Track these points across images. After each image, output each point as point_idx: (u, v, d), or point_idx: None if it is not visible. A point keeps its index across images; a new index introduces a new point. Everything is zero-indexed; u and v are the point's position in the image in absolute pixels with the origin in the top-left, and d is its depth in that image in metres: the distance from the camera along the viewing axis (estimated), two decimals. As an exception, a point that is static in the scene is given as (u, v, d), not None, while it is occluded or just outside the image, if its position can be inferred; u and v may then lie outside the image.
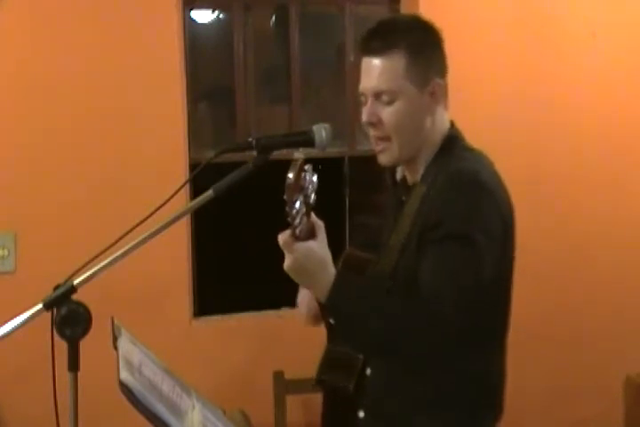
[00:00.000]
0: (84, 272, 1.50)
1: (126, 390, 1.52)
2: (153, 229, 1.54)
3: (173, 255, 2.96)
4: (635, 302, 3.43)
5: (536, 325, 3.24)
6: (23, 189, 2.84)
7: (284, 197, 1.42)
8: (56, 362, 1.51)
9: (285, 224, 1.49)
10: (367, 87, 1.78)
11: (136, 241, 1.53)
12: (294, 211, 1.43)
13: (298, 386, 2.73)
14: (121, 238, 1.55)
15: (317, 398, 1.93)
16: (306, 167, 1.43)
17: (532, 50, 3.26)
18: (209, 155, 1.81)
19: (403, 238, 1.75)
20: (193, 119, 3.09)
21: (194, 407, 1.34)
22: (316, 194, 1.46)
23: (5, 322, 1.48)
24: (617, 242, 3.40)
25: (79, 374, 1.50)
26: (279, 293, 2.57)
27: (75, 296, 1.49)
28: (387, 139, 1.77)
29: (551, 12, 3.28)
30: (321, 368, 1.88)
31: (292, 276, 1.55)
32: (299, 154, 1.44)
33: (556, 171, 3.33)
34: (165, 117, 2.95)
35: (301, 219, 1.45)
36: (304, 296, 1.98)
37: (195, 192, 2.83)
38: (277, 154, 1.61)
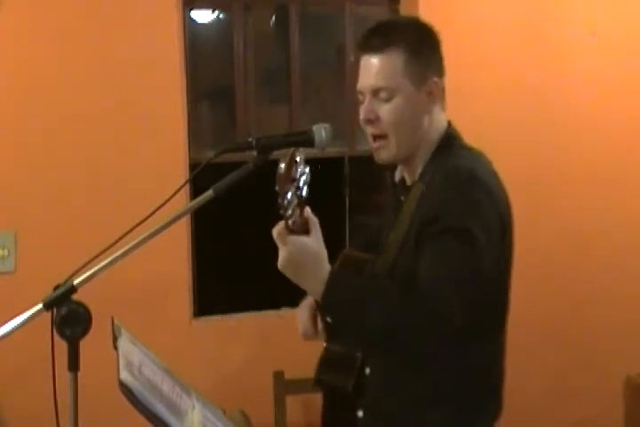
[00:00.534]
0: (84, 272, 1.50)
1: (126, 390, 1.51)
2: (153, 229, 1.54)
3: (173, 255, 2.96)
4: (635, 302, 3.43)
5: (536, 325, 3.24)
6: (23, 189, 2.84)
7: (276, 188, 1.41)
8: (56, 362, 1.51)
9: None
10: (365, 85, 1.78)
11: (136, 241, 1.53)
12: (286, 202, 1.41)
13: (298, 386, 2.73)
14: (121, 238, 1.55)
15: (317, 399, 1.93)
16: (297, 159, 1.42)
17: (531, 50, 3.26)
18: (209, 155, 1.81)
19: (401, 237, 1.75)
20: (193, 119, 3.09)
21: (194, 407, 1.34)
22: (309, 187, 1.43)
23: (5, 322, 1.48)
24: (617, 242, 3.40)
25: (79, 374, 1.50)
26: (279, 293, 2.57)
27: (75, 296, 1.49)
28: (384, 137, 1.77)
29: (551, 12, 3.28)
30: (319, 368, 1.89)
31: (287, 272, 1.51)
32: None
33: (555, 170, 3.33)
34: (165, 117, 2.95)
35: (294, 211, 1.43)
36: (302, 317, 1.97)
37: (195, 192, 2.83)
38: (277, 154, 1.61)
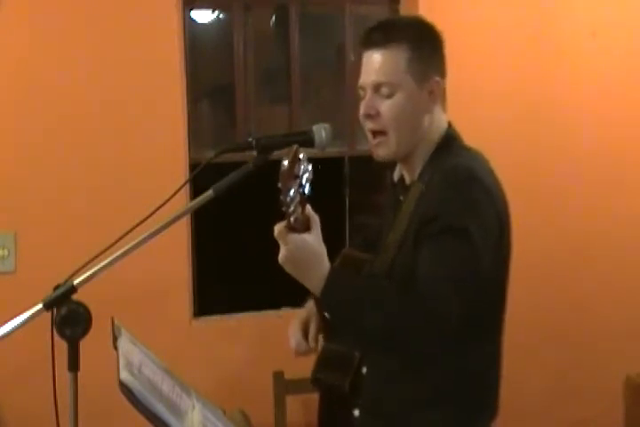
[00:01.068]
0: (84, 272, 1.51)
1: (126, 390, 1.51)
2: (153, 229, 1.55)
3: (173, 255, 2.96)
4: (635, 302, 3.43)
5: (536, 325, 3.24)
6: (23, 189, 2.84)
7: (279, 184, 1.41)
8: (56, 362, 1.51)
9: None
10: (367, 80, 1.78)
11: (136, 241, 1.53)
12: (288, 199, 1.42)
13: (298, 386, 2.73)
14: (121, 238, 1.55)
15: (317, 399, 1.93)
16: (301, 156, 1.42)
17: (532, 50, 3.26)
18: (209, 155, 1.81)
19: (399, 236, 1.75)
20: (193, 119, 3.09)
21: (194, 407, 1.34)
22: (312, 185, 1.44)
23: (5, 322, 1.48)
24: (617, 242, 3.40)
25: (79, 374, 1.50)
26: (279, 293, 2.57)
27: (75, 296, 1.49)
28: (383, 133, 1.77)
29: (551, 12, 3.28)
30: (317, 367, 1.89)
31: (287, 268, 1.53)
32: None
33: (555, 170, 3.33)
34: (165, 117, 2.95)
35: (296, 208, 1.44)
36: (294, 332, 1.97)
37: (195, 192, 2.83)
38: (277, 154, 1.61)
